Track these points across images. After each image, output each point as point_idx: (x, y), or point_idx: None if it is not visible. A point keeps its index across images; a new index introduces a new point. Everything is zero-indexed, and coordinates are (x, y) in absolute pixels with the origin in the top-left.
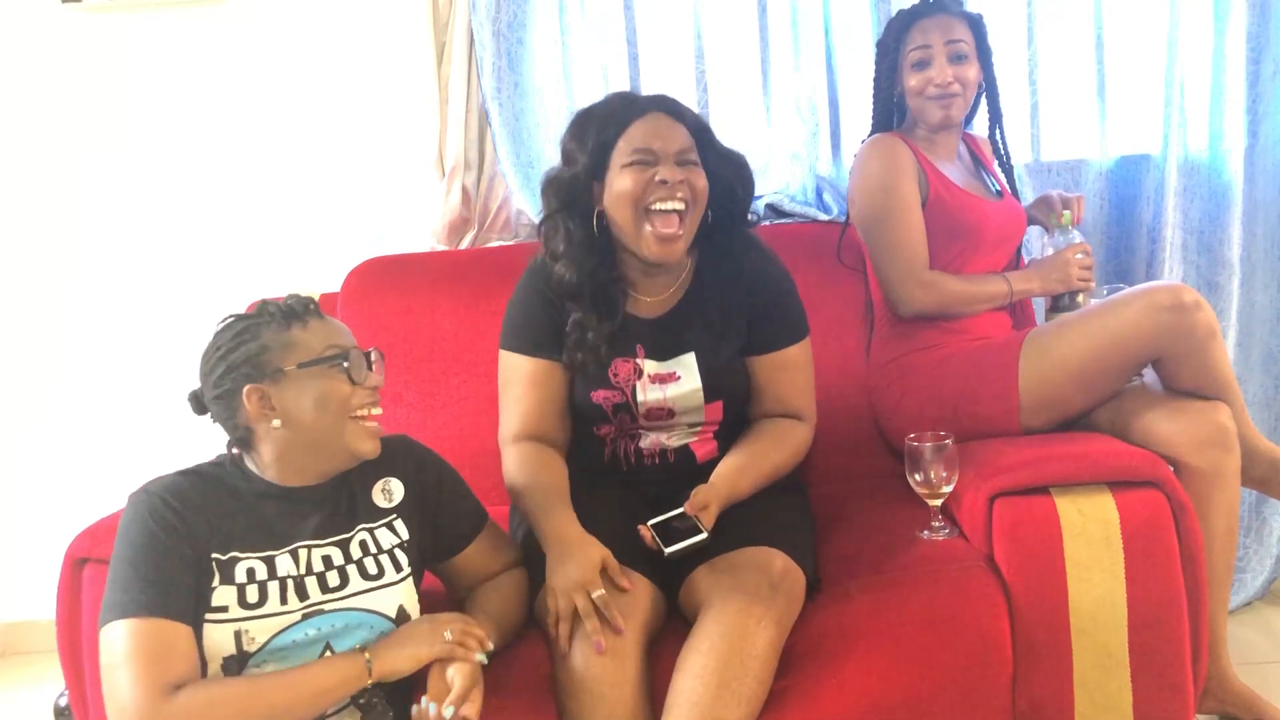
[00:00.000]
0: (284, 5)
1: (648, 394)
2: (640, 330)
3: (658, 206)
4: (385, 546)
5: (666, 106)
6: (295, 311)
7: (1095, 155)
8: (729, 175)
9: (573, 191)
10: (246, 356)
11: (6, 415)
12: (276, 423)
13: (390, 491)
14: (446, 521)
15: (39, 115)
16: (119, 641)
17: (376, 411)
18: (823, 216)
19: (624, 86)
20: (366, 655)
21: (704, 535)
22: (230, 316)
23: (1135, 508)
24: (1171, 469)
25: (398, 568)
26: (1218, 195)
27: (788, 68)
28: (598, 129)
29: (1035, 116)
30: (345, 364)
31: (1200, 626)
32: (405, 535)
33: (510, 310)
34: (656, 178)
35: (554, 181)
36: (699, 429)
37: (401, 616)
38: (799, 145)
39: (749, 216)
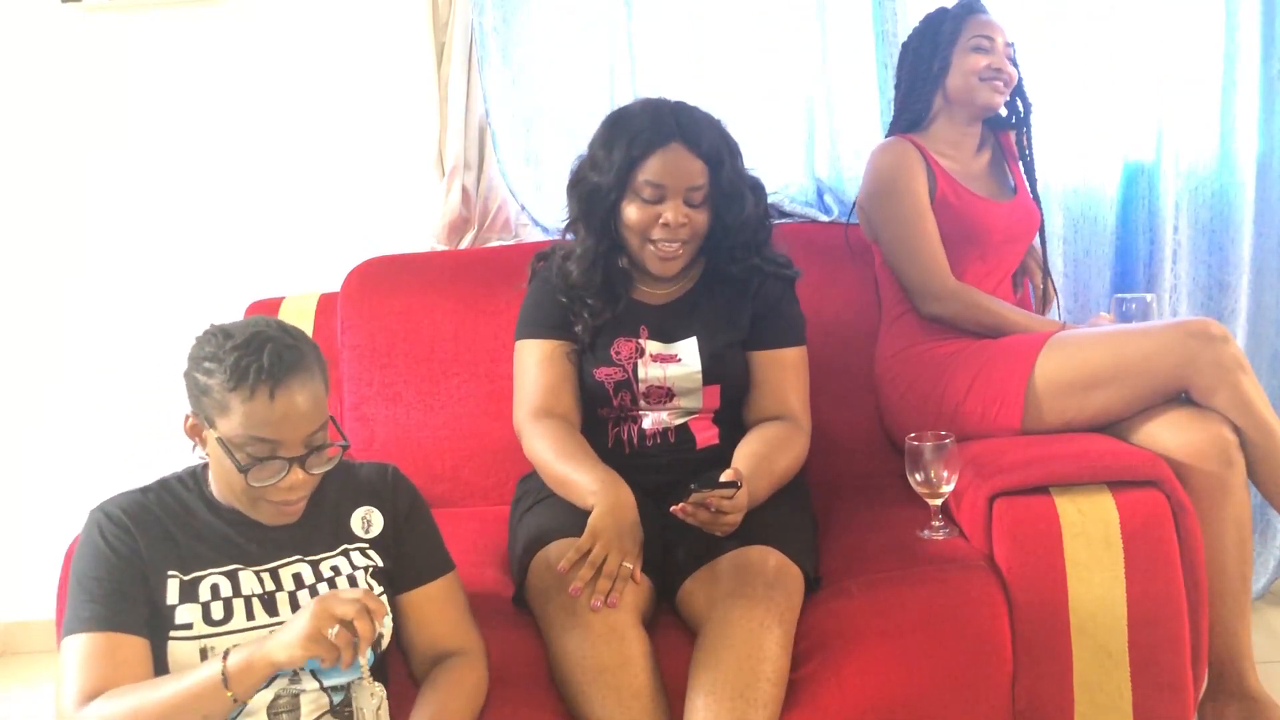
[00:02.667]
0: (284, 5)
1: (648, 371)
2: (645, 314)
3: (659, 243)
4: (359, 565)
5: (687, 134)
6: (247, 376)
7: (1099, 155)
8: (744, 200)
9: (594, 202)
10: (195, 385)
11: (6, 415)
12: (204, 454)
13: (370, 522)
14: (407, 554)
15: (39, 115)
16: (66, 658)
17: (294, 499)
18: (823, 217)
19: (624, 86)
20: (224, 664)
21: (737, 486)
22: (213, 328)
23: (1135, 508)
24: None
25: (371, 589)
26: (1228, 196)
27: (788, 67)
28: (624, 147)
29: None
30: (244, 471)
31: (1200, 626)
32: (380, 563)
33: (523, 306)
34: (661, 219)
35: (579, 186)
36: (697, 414)
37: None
38: (799, 145)
39: (769, 235)
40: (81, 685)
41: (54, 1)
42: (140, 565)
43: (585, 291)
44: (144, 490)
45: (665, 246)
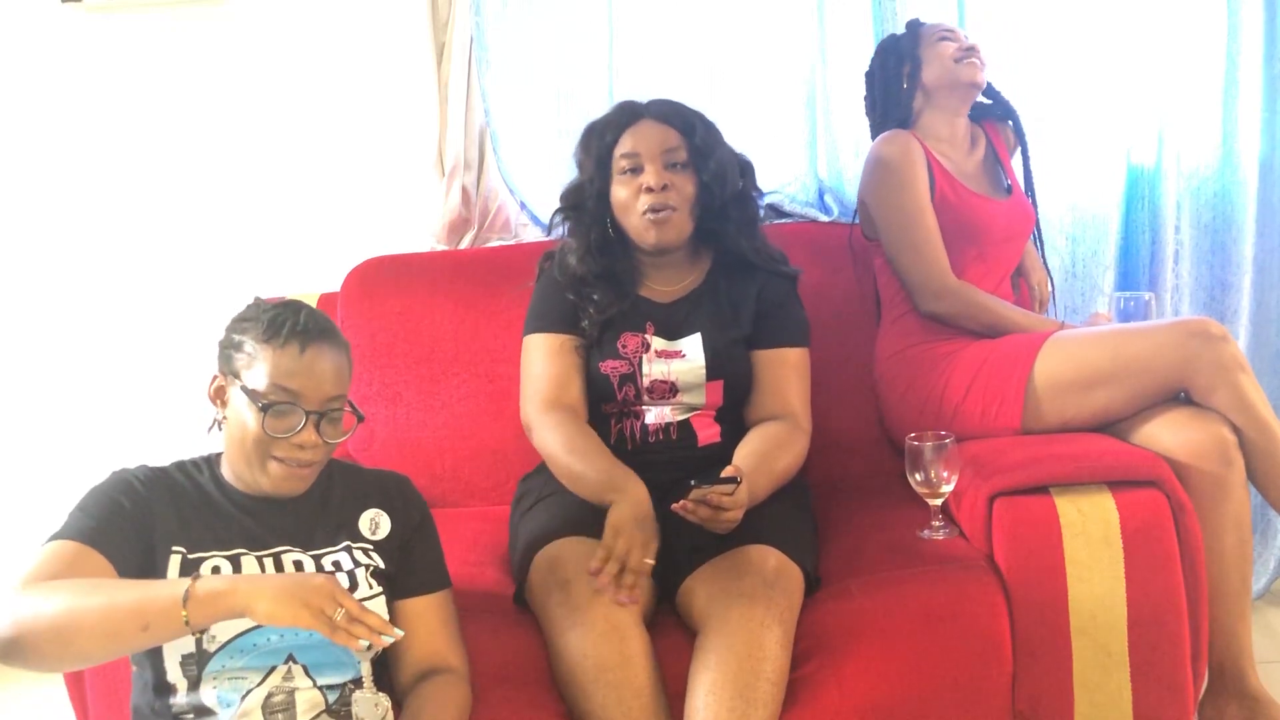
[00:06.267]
0: (284, 5)
1: (653, 366)
2: (651, 310)
3: (646, 211)
4: (360, 564)
5: (655, 111)
6: (281, 330)
7: (1102, 156)
8: (733, 176)
9: (582, 197)
10: (229, 343)
11: (6, 415)
12: (222, 416)
13: (378, 524)
14: (411, 564)
15: (39, 115)
16: (37, 554)
17: (304, 460)
18: (823, 217)
19: (624, 86)
20: (191, 584)
21: (737, 482)
22: (258, 300)
23: (1135, 508)
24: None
25: (370, 585)
26: (1230, 196)
27: (788, 67)
28: (598, 139)
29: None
30: (264, 413)
31: (1200, 626)
32: (381, 565)
33: (531, 302)
34: (643, 185)
35: (568, 191)
36: (700, 410)
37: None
38: (799, 145)
39: (759, 214)
40: (35, 575)
41: (54, 1)
42: (146, 528)
43: (589, 285)
44: (162, 467)
45: (652, 213)
